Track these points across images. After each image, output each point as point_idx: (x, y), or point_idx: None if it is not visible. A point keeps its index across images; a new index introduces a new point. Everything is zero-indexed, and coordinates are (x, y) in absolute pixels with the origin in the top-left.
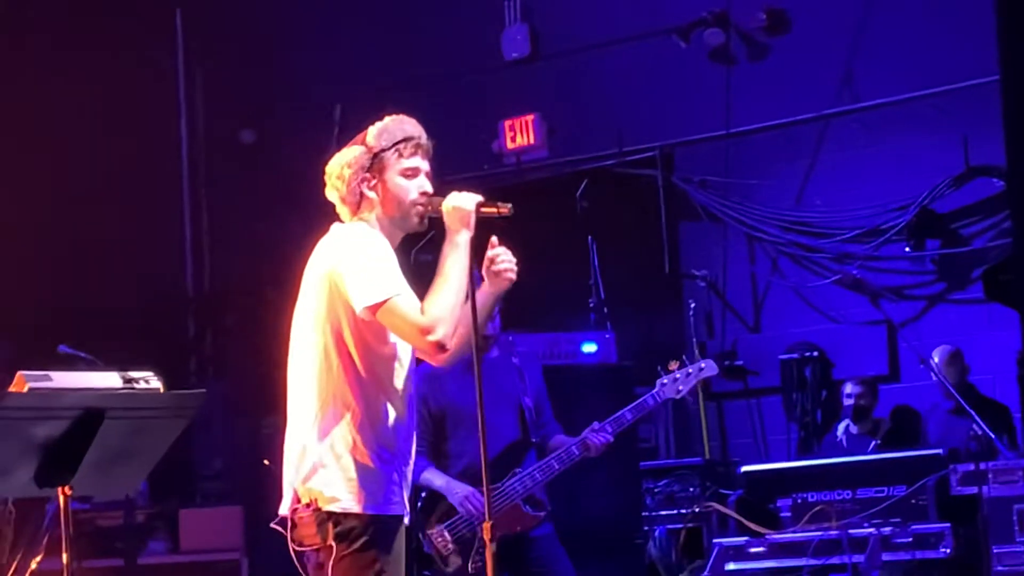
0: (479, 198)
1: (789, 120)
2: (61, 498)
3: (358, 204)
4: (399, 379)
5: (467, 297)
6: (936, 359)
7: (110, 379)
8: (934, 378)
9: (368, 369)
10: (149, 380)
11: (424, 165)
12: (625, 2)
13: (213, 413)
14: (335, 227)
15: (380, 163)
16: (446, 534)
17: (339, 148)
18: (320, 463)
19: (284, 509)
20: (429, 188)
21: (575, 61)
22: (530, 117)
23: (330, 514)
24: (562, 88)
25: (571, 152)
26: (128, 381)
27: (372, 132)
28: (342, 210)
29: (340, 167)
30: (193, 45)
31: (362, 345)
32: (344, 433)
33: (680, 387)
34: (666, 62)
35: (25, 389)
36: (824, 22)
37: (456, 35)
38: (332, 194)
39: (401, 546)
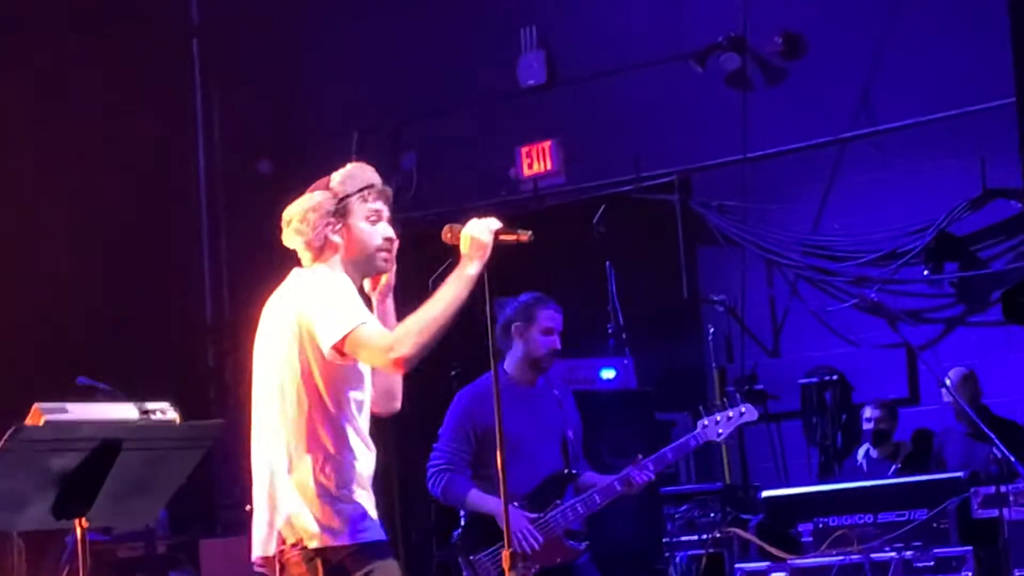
0: (498, 225)
1: (806, 144)
2: (78, 530)
3: (321, 249)
4: (365, 412)
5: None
6: (949, 381)
7: (126, 410)
8: (946, 399)
9: (337, 407)
10: (165, 411)
11: (386, 211)
12: (641, 28)
13: (233, 442)
14: (295, 272)
15: (345, 208)
16: (488, 561)
17: None
18: (301, 502)
19: (261, 550)
20: (391, 233)
21: (591, 87)
22: (547, 143)
23: (317, 551)
24: (579, 114)
25: (588, 178)
26: (144, 412)
27: (336, 178)
28: (304, 255)
29: (304, 212)
30: (210, 75)
31: (331, 385)
32: (320, 471)
33: (720, 430)
34: (682, 87)
35: (41, 422)
36: (840, 46)
37: (472, 62)
38: (293, 239)
39: (397, 568)
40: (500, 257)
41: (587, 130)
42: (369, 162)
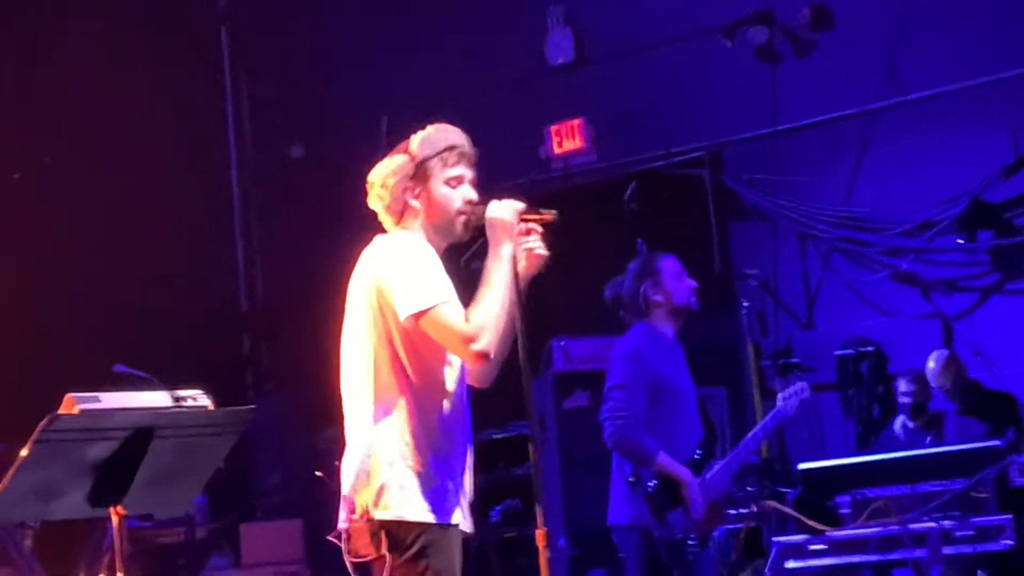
0: (520, 206)
1: (836, 115)
2: (114, 518)
3: (402, 213)
4: (450, 383)
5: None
6: (932, 364)
7: (159, 398)
8: (932, 384)
9: (419, 376)
10: (198, 398)
11: (468, 173)
12: (668, 3)
13: (270, 427)
14: (378, 238)
15: (424, 172)
16: (681, 519)
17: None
18: (373, 473)
19: (342, 521)
20: (473, 196)
21: (620, 64)
22: (576, 122)
23: (382, 523)
24: (608, 91)
25: (618, 155)
26: (177, 400)
27: (415, 141)
28: (386, 219)
29: (383, 176)
30: (240, 61)
31: (412, 353)
32: (396, 442)
33: (792, 405)
34: (711, 62)
35: (75, 411)
36: (868, 16)
37: (500, 42)
38: (376, 203)
39: (455, 556)
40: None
41: (616, 107)
42: (398, 144)
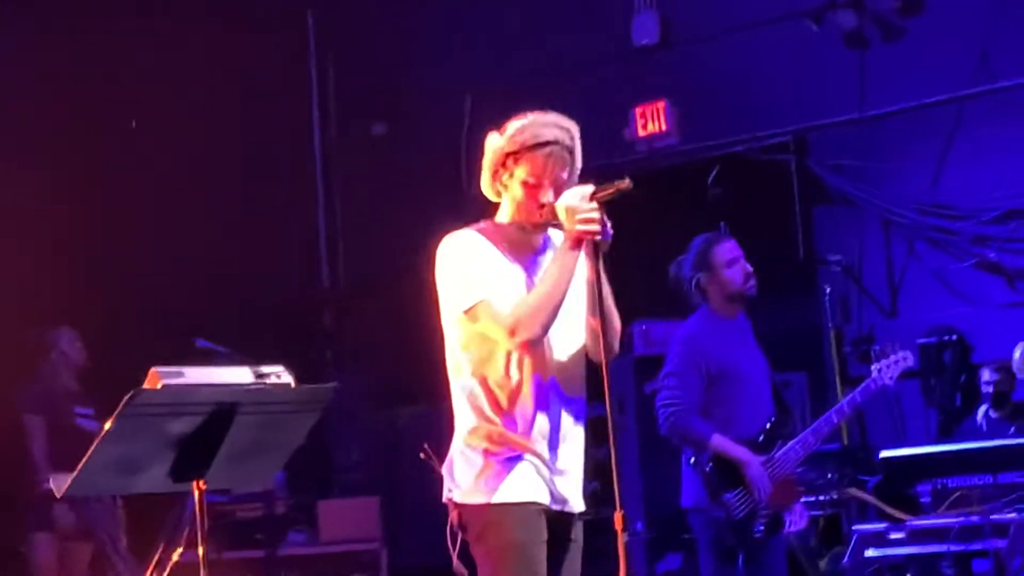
0: (588, 189)
1: (924, 102)
2: (196, 492)
3: (494, 192)
4: (516, 368)
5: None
6: (1018, 355)
7: (242, 374)
8: (1018, 375)
9: (476, 363)
10: (280, 375)
11: (554, 173)
12: None
13: (351, 405)
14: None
15: (510, 164)
16: (736, 501)
17: (469, 139)
18: (452, 453)
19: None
20: (548, 199)
21: (705, 47)
22: (661, 104)
23: (455, 504)
24: (693, 74)
25: (703, 138)
26: (259, 376)
27: (512, 127)
28: (486, 191)
29: (485, 152)
30: (324, 39)
31: (469, 340)
32: (466, 424)
33: (889, 375)
34: (798, 46)
35: (159, 385)
36: (959, 2)
37: (585, 23)
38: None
39: (520, 534)
40: (610, 218)
41: (701, 90)
42: (483, 124)
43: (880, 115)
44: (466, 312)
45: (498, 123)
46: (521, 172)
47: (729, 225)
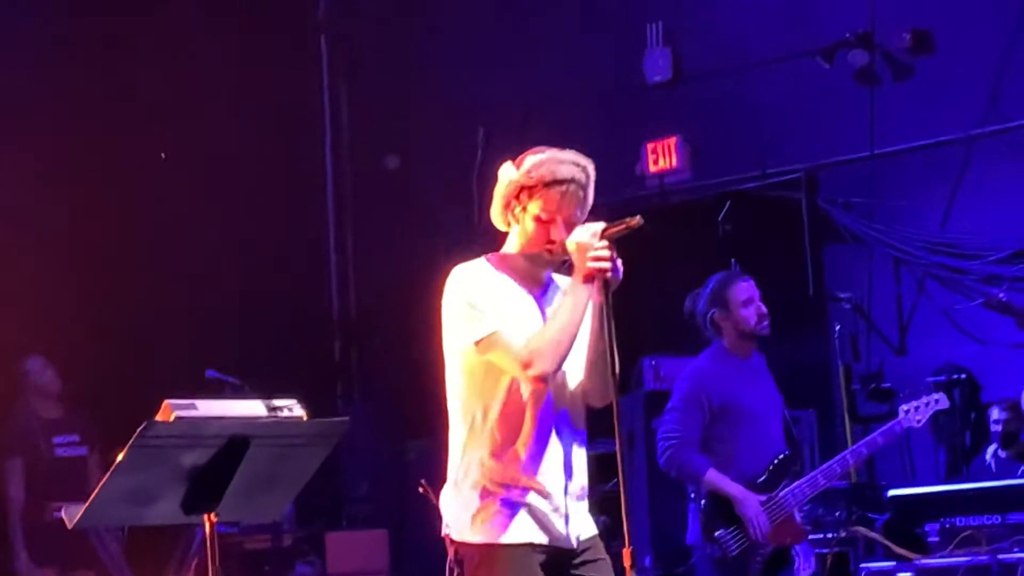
0: (599, 226)
1: (935, 141)
2: (207, 525)
3: (504, 223)
4: (526, 403)
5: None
6: None
7: (254, 407)
8: None
9: (487, 395)
10: (293, 408)
11: (568, 211)
12: (768, 24)
13: (359, 436)
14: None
15: (523, 198)
16: (729, 538)
17: (482, 172)
18: (447, 487)
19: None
20: (560, 236)
21: (718, 83)
22: (673, 140)
23: (451, 540)
24: (705, 110)
25: (714, 175)
26: (272, 409)
27: (528, 161)
28: (495, 220)
29: (498, 182)
30: (337, 71)
31: (469, 377)
32: (460, 461)
33: (918, 417)
34: (810, 83)
35: (172, 418)
36: (970, 42)
37: (598, 58)
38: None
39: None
40: (621, 254)
41: (713, 126)
42: (496, 158)
43: (891, 153)
44: (477, 343)
45: (510, 156)
46: (534, 207)
47: (740, 261)
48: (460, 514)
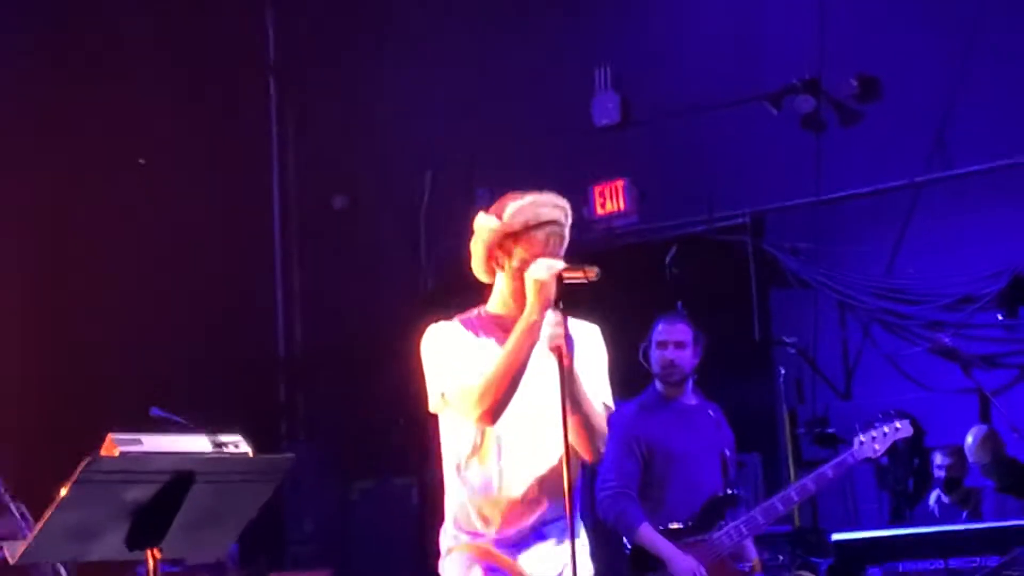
0: (561, 265)
1: (881, 187)
2: (151, 561)
3: (484, 273)
4: (490, 455)
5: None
6: (970, 440)
7: (200, 443)
8: (970, 460)
9: (453, 450)
10: (239, 444)
11: (554, 252)
12: (716, 69)
13: (304, 476)
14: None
15: (508, 244)
16: None
17: (429, 213)
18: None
19: None
20: (543, 275)
21: (665, 127)
22: (620, 183)
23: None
24: (652, 154)
25: (661, 218)
26: (218, 445)
27: (510, 207)
28: (478, 273)
29: (476, 233)
30: (286, 112)
31: (452, 429)
32: (447, 501)
33: (877, 446)
34: (757, 128)
35: (116, 452)
36: (916, 89)
37: (546, 102)
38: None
39: None
40: (567, 296)
41: (660, 170)
42: (443, 200)
43: (837, 199)
44: (442, 397)
45: (459, 196)
46: (521, 252)
47: (686, 305)
48: (442, 550)
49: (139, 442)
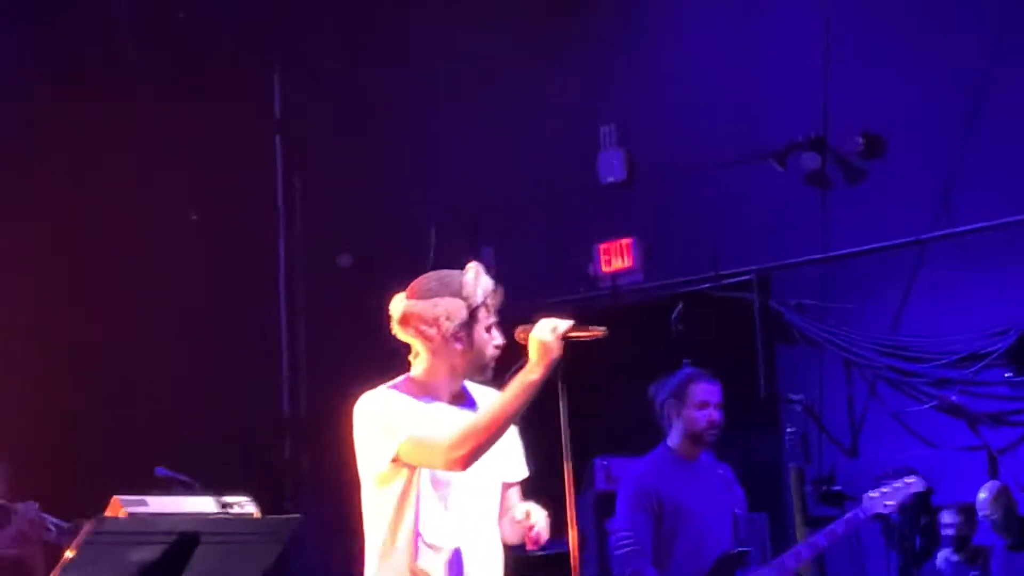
0: (567, 325)
1: (886, 244)
2: None
3: (439, 353)
4: (431, 519)
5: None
6: (983, 495)
7: (205, 504)
8: (980, 514)
9: (396, 522)
10: (244, 505)
11: (495, 317)
12: (721, 127)
13: (309, 535)
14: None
15: (473, 318)
16: None
17: (434, 270)
18: None
19: None
20: (501, 341)
21: (671, 185)
22: (626, 241)
23: None
24: (658, 212)
25: (667, 276)
26: (223, 506)
27: (468, 285)
28: (424, 354)
29: (435, 316)
30: (292, 169)
31: (388, 497)
32: None
33: (887, 501)
34: (762, 186)
35: (122, 514)
36: (921, 146)
37: (552, 159)
38: (414, 339)
39: None
40: (573, 353)
41: (666, 227)
42: (448, 257)
43: (842, 256)
44: (394, 459)
45: (464, 254)
46: (485, 320)
47: (691, 362)
48: None
49: (144, 503)
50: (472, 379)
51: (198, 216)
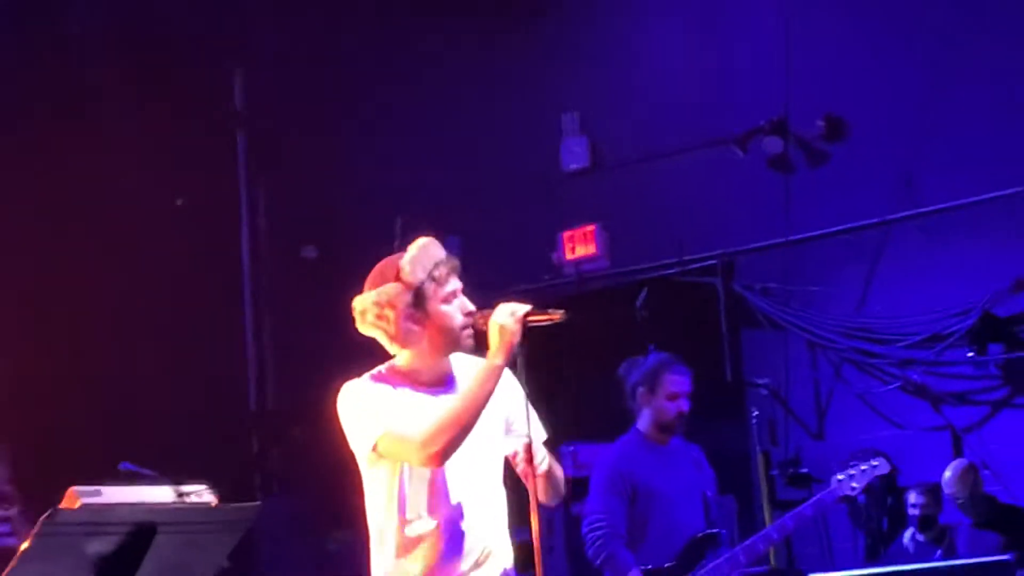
0: (526, 308)
1: (849, 226)
2: None
3: (405, 340)
4: (417, 506)
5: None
6: (948, 474)
7: (162, 493)
8: (946, 492)
9: (388, 506)
10: (202, 494)
11: (458, 284)
12: (683, 112)
13: (279, 530)
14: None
15: (421, 296)
16: None
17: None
18: None
19: None
20: (470, 306)
21: (634, 171)
22: (590, 227)
23: None
24: (621, 198)
25: (631, 262)
26: (180, 495)
27: (406, 267)
28: (390, 346)
29: (380, 307)
30: (254, 162)
31: (381, 480)
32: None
33: (854, 484)
34: (725, 171)
35: (77, 505)
36: (883, 128)
37: (515, 147)
38: (373, 331)
39: None
40: (539, 339)
41: (630, 214)
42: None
43: (806, 239)
44: (373, 449)
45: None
46: (438, 294)
47: (657, 347)
48: None
49: (99, 494)
50: (455, 352)
51: (182, 205)
